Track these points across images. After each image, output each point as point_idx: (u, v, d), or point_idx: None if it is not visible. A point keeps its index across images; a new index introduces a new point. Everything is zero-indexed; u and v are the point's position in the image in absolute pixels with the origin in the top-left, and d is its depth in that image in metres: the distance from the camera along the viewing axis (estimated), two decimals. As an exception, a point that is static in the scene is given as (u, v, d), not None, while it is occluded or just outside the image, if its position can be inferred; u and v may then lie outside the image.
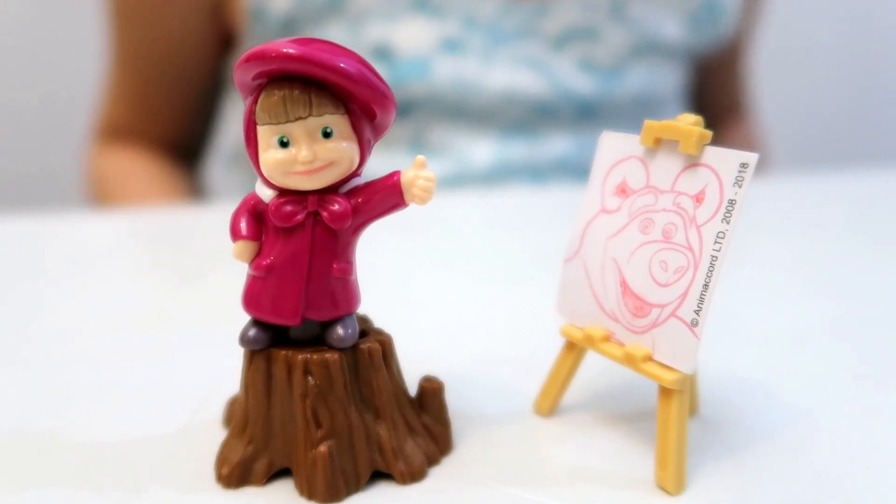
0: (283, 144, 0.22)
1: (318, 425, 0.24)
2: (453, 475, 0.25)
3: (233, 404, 0.28)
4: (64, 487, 0.25)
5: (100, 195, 0.72)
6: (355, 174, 0.24)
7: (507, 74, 0.63)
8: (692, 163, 0.24)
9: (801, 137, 1.11)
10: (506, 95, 0.63)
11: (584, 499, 0.24)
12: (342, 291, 0.24)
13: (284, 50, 0.21)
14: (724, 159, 0.23)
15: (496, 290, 0.43)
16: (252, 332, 0.24)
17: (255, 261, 0.24)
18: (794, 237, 0.52)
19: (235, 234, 0.24)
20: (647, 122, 0.25)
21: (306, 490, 0.24)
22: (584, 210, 0.27)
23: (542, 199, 0.61)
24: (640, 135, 0.26)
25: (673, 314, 0.24)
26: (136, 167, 0.72)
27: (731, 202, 0.23)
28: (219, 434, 0.27)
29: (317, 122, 0.22)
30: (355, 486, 0.24)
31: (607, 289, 0.26)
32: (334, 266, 0.24)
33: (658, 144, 0.25)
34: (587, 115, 0.66)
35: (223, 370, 0.29)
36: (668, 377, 0.24)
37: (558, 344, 0.28)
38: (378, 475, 0.25)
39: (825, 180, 0.67)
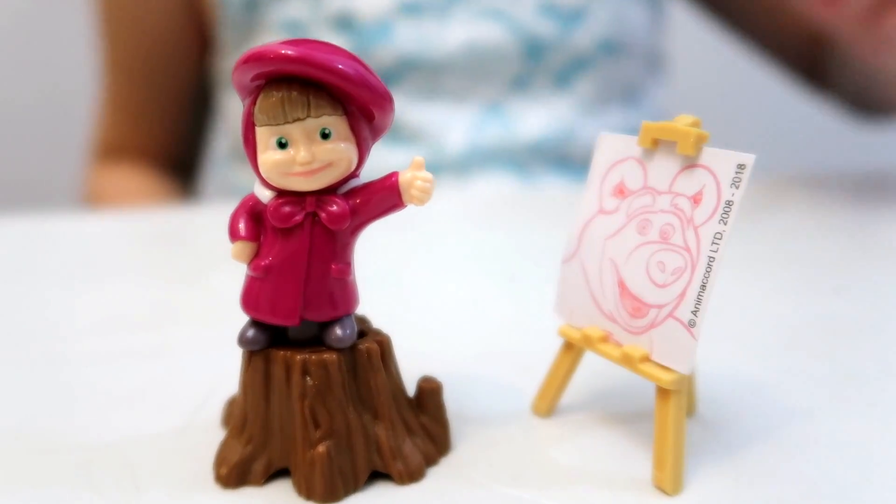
0: (282, 145, 0.22)
1: (317, 425, 0.24)
2: (451, 475, 0.25)
3: (231, 404, 0.28)
4: (63, 487, 0.25)
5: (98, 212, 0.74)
6: (354, 175, 0.24)
7: (466, 29, 0.63)
8: (690, 164, 0.24)
9: (801, 137, 1.11)
10: (468, 49, 0.63)
11: (582, 499, 0.24)
12: (340, 292, 0.24)
13: (283, 51, 0.21)
14: (721, 160, 0.23)
15: (495, 291, 0.43)
16: (250, 332, 0.24)
17: (253, 261, 0.24)
18: (793, 237, 0.52)
19: (234, 234, 0.24)
20: (645, 124, 0.25)
21: (304, 490, 0.24)
22: (582, 211, 0.27)
23: (541, 199, 0.61)
24: (637, 136, 0.26)
25: (670, 315, 0.24)
26: (132, 184, 0.74)
27: (729, 203, 0.23)
28: (217, 434, 0.27)
29: (315, 123, 0.22)
30: (353, 487, 0.24)
31: (605, 289, 0.26)
32: (333, 267, 0.24)
33: (656, 145, 0.25)
34: (551, 69, 0.65)
35: (222, 370, 0.29)
36: (666, 377, 0.24)
37: (556, 344, 0.28)
38: (376, 475, 0.25)
39: (825, 180, 0.67)
